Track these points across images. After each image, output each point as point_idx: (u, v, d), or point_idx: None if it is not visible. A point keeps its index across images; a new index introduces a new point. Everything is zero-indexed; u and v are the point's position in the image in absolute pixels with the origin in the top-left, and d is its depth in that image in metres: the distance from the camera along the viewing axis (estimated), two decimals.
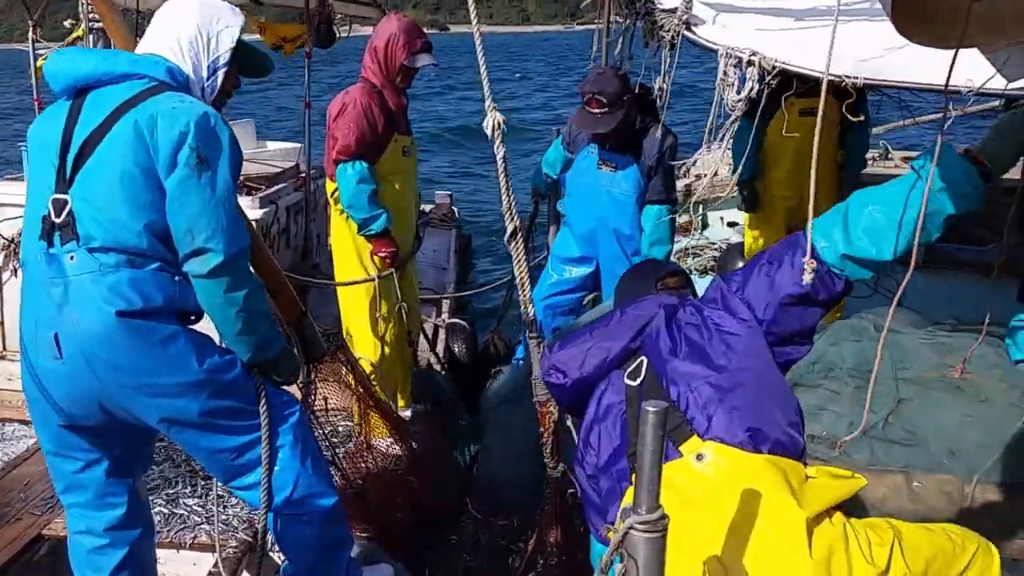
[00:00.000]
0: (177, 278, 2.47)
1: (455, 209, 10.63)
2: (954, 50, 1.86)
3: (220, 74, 2.67)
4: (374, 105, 4.20)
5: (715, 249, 7.21)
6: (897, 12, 1.63)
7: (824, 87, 2.06)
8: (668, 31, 3.40)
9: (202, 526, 3.64)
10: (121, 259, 2.39)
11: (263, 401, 2.59)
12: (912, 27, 1.75)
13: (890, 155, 8.43)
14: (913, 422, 3.50)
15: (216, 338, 2.60)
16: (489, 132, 2.73)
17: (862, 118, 5.35)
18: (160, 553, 3.35)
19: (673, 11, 3.47)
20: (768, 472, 2.06)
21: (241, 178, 5.64)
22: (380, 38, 4.27)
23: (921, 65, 3.07)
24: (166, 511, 3.75)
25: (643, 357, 2.37)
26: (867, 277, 2.28)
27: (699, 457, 2.12)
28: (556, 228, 6.10)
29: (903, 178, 2.18)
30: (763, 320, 2.31)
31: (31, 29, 5.74)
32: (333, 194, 4.35)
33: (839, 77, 3.15)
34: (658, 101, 3.80)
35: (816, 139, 2.05)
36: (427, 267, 7.63)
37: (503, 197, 2.82)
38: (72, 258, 2.40)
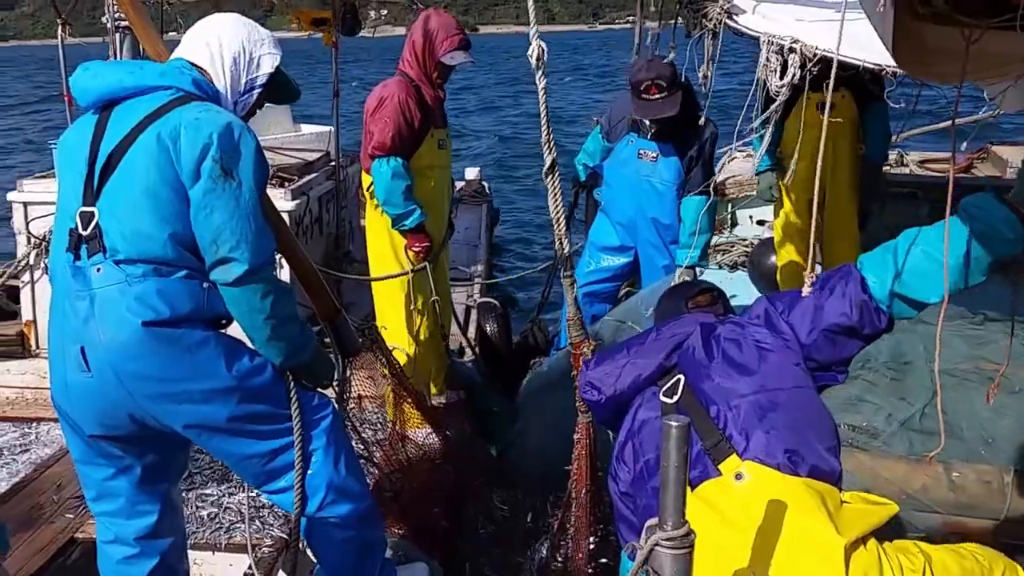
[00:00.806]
0: (205, 284, 2.46)
1: (485, 184, 10.59)
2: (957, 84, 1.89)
3: (255, 94, 2.71)
4: (411, 100, 4.21)
5: (745, 246, 7.19)
6: (898, 52, 1.65)
7: (834, 69, 2.09)
8: (711, 20, 3.41)
9: (237, 526, 3.62)
10: (148, 269, 2.39)
11: (295, 405, 2.58)
12: (914, 65, 1.78)
13: (905, 161, 8.40)
14: (949, 413, 3.48)
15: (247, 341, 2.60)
16: (533, 61, 2.71)
17: (884, 121, 5.33)
18: (196, 555, 3.38)
19: (715, 1, 3.47)
20: (806, 496, 2.07)
21: (273, 168, 5.72)
22: (419, 33, 4.28)
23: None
24: (202, 512, 3.73)
25: (679, 375, 2.36)
26: (911, 316, 2.29)
27: (738, 477, 2.12)
28: (593, 217, 6.07)
29: (950, 221, 2.16)
30: (805, 345, 2.32)
31: (60, 26, 5.82)
32: (369, 188, 4.36)
33: (879, 65, 3.15)
34: (703, 88, 3.81)
35: (826, 113, 2.03)
36: (460, 245, 7.60)
37: (542, 129, 2.77)
38: (99, 270, 2.40)
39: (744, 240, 7.34)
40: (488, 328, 6.03)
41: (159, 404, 2.42)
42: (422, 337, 4.52)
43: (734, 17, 3.50)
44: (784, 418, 2.17)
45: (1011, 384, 3.53)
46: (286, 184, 5.75)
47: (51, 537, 3.54)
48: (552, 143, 2.74)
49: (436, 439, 4.08)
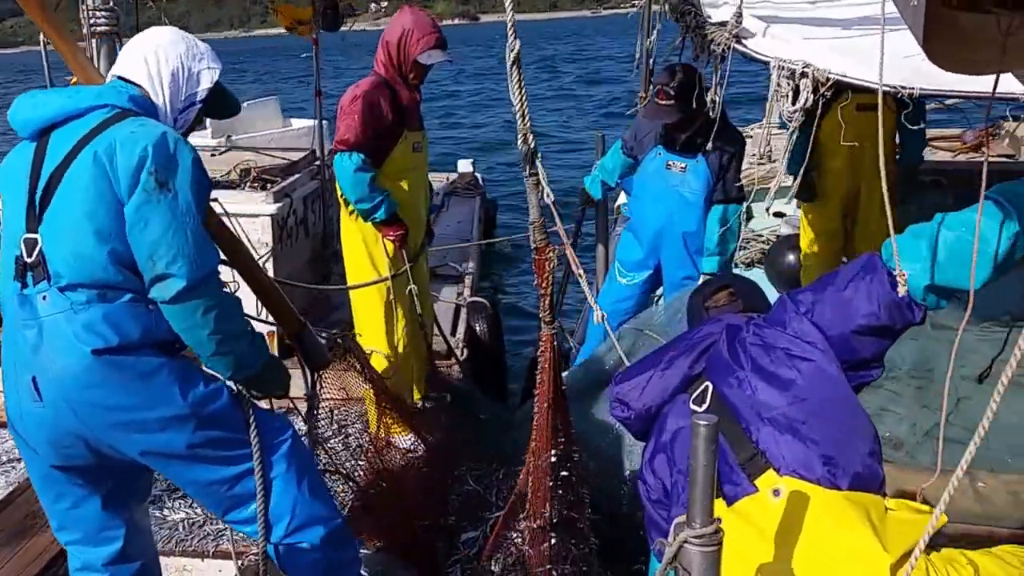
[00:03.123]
0: (152, 307, 2.42)
1: (478, 176, 10.45)
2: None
3: (194, 109, 2.69)
4: (383, 100, 4.11)
5: (762, 241, 6.98)
6: (929, 43, 1.54)
7: (880, 98, 2.01)
8: (719, 45, 3.28)
9: (224, 533, 3.59)
10: (92, 294, 2.36)
11: (253, 431, 2.55)
12: (945, 57, 1.64)
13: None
14: (973, 421, 3.29)
15: None
16: None
17: (921, 125, 5.24)
18: (185, 561, 3.52)
19: (723, 25, 3.39)
20: (849, 510, 1.99)
21: (256, 171, 5.86)
22: (393, 32, 4.18)
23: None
24: (189, 518, 3.73)
25: (708, 383, 2.28)
26: (944, 307, 2.13)
27: (776, 493, 2.05)
28: (604, 234, 6.22)
29: (987, 207, 2.01)
30: (834, 346, 2.17)
31: (42, 32, 5.66)
32: (344, 195, 4.26)
33: (894, 88, 3.05)
34: (711, 113, 3.70)
35: (881, 150, 1.93)
36: (452, 239, 7.52)
37: (507, 14, 2.55)
38: (44, 298, 2.37)
39: (760, 236, 7.12)
40: (478, 328, 5.90)
41: (114, 433, 2.41)
42: (403, 341, 4.43)
43: (743, 41, 3.35)
44: (820, 428, 2.08)
45: None
46: (268, 187, 5.68)
47: (44, 547, 3.50)
48: (515, 29, 2.55)
49: (417, 446, 4.02)
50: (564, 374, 4.95)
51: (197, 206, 2.41)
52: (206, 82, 2.66)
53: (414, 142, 4.32)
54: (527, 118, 2.64)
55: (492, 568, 3.13)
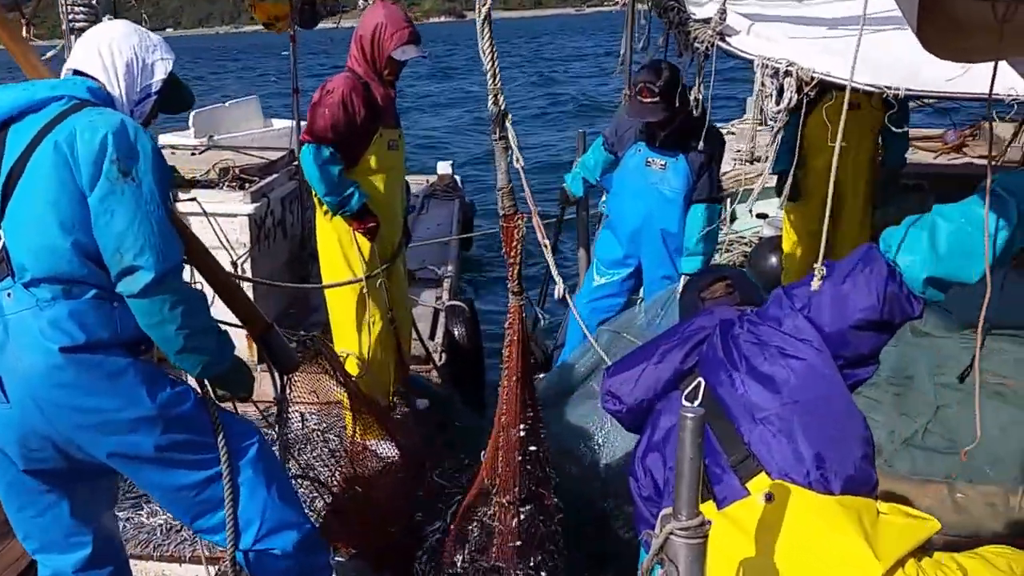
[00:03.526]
0: (116, 304, 2.40)
1: (457, 178, 10.41)
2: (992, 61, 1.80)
3: (150, 101, 2.68)
4: (356, 96, 4.04)
5: (745, 244, 6.94)
6: (923, 28, 1.55)
7: (847, 95, 1.99)
8: (702, 42, 3.25)
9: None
10: (57, 290, 2.34)
11: (220, 435, 2.53)
12: (940, 45, 1.66)
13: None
14: (952, 430, 3.35)
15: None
16: None
17: (905, 129, 5.21)
18: (162, 566, 3.53)
19: (707, 22, 3.35)
20: (841, 516, 1.96)
21: (236, 170, 5.71)
22: (366, 28, 4.11)
23: (963, 74, 2.95)
24: (167, 524, 3.70)
25: (700, 379, 2.25)
26: (941, 299, 2.09)
27: (768, 498, 2.01)
28: (584, 233, 6.21)
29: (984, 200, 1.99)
30: (830, 343, 2.13)
31: (24, 27, 5.60)
32: (312, 189, 4.20)
33: (878, 88, 3.02)
34: (694, 112, 3.71)
35: (836, 146, 1.89)
36: (431, 242, 7.51)
37: None
38: (9, 295, 2.36)
39: (743, 238, 7.09)
40: (456, 332, 5.85)
41: (83, 433, 2.39)
42: (377, 344, 4.37)
43: (727, 39, 3.32)
44: (814, 431, 2.05)
45: (1020, 399, 3.39)
46: (247, 186, 5.58)
47: (19, 554, 3.44)
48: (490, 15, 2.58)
49: (390, 452, 3.97)
50: (542, 375, 4.97)
51: (161, 195, 2.39)
52: (160, 73, 2.65)
53: (389, 140, 4.25)
54: (498, 78, 2.60)
55: (457, 550, 3.13)
